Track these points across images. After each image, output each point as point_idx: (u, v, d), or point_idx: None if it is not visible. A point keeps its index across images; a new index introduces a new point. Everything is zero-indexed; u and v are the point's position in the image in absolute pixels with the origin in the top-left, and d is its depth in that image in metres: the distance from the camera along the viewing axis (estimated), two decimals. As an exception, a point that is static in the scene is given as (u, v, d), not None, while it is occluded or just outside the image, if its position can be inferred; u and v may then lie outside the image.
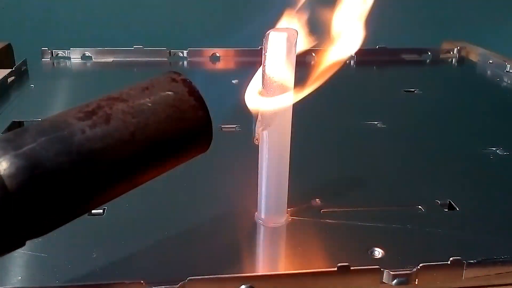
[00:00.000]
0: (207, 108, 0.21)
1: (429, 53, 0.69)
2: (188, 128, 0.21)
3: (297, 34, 0.25)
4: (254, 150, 0.28)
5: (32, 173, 0.17)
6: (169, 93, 0.20)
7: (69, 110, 0.19)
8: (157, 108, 0.20)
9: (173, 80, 0.21)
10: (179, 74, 0.21)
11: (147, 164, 0.20)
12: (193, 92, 0.21)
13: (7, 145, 0.17)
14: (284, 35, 0.25)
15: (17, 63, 0.56)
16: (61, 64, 0.63)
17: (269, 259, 0.28)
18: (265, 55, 0.25)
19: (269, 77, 0.26)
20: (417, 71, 0.66)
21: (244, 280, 0.24)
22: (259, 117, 0.27)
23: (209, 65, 0.65)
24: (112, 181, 0.19)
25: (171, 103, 0.20)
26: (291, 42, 0.25)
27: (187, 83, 0.21)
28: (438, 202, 0.32)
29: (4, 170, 0.17)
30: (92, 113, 0.19)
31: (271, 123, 0.26)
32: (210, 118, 0.21)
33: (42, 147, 0.18)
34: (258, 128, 0.27)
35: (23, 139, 0.18)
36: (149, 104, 0.20)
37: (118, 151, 0.19)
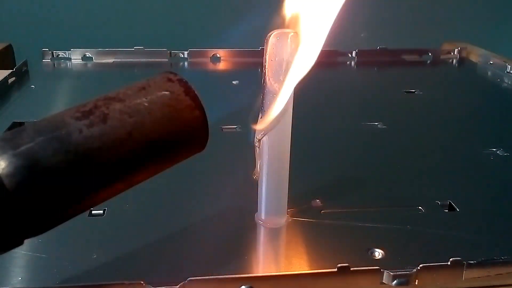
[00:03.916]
0: (203, 107, 0.21)
1: (430, 54, 0.69)
2: (184, 127, 0.21)
3: (297, 36, 0.25)
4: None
5: (30, 172, 0.17)
6: (166, 92, 0.20)
7: (67, 110, 0.19)
8: (153, 108, 0.20)
9: (169, 80, 0.21)
10: (175, 74, 0.21)
11: (144, 163, 0.20)
12: (189, 91, 0.21)
13: (5, 144, 0.18)
14: (285, 36, 0.25)
15: (18, 64, 0.57)
16: (62, 65, 0.63)
17: (269, 259, 0.28)
18: (266, 57, 0.25)
19: (270, 79, 0.26)
20: (418, 72, 0.66)
21: (244, 280, 0.24)
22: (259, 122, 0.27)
23: (210, 66, 0.65)
24: (109, 180, 0.19)
25: (168, 102, 0.20)
26: (292, 43, 0.25)
27: (183, 83, 0.21)
28: (438, 203, 0.32)
29: (3, 169, 0.17)
30: (89, 112, 0.19)
31: (272, 128, 0.26)
32: (206, 117, 0.21)
33: (40, 147, 0.18)
34: (259, 134, 0.27)
35: (21, 139, 0.18)
36: (146, 104, 0.20)
37: (115, 150, 0.19)
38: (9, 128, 0.41)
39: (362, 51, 0.67)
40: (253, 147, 0.27)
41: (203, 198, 0.33)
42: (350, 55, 0.67)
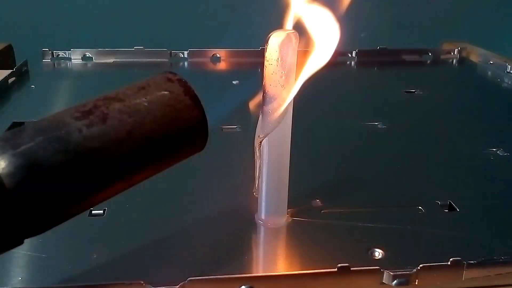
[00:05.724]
0: (202, 107, 0.21)
1: (430, 54, 0.69)
2: (183, 127, 0.21)
3: (298, 36, 0.25)
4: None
5: (30, 172, 0.17)
6: (165, 92, 0.20)
7: (66, 110, 0.19)
8: (153, 108, 0.20)
9: (169, 80, 0.21)
10: (175, 74, 0.21)
11: (144, 163, 0.20)
12: (189, 91, 0.21)
13: (5, 144, 0.18)
14: (285, 36, 0.25)
15: (18, 64, 0.57)
16: (62, 65, 0.63)
17: (269, 259, 0.28)
18: (266, 57, 0.25)
19: (270, 79, 0.26)
20: (418, 71, 0.66)
21: (244, 280, 0.24)
22: (259, 125, 0.27)
23: (210, 66, 0.65)
24: (109, 180, 0.19)
25: (167, 102, 0.20)
26: (293, 44, 0.25)
27: (182, 83, 0.21)
28: (438, 203, 0.32)
29: (3, 169, 0.17)
30: (89, 112, 0.19)
31: (272, 130, 0.26)
32: (205, 117, 0.21)
33: (39, 146, 0.18)
34: (259, 136, 0.27)
35: (21, 139, 0.18)
36: (145, 104, 0.20)
37: (114, 150, 0.19)
38: (9, 128, 0.41)
39: (362, 51, 0.67)
40: (253, 149, 0.27)
41: (203, 198, 0.33)
42: (350, 55, 0.67)
